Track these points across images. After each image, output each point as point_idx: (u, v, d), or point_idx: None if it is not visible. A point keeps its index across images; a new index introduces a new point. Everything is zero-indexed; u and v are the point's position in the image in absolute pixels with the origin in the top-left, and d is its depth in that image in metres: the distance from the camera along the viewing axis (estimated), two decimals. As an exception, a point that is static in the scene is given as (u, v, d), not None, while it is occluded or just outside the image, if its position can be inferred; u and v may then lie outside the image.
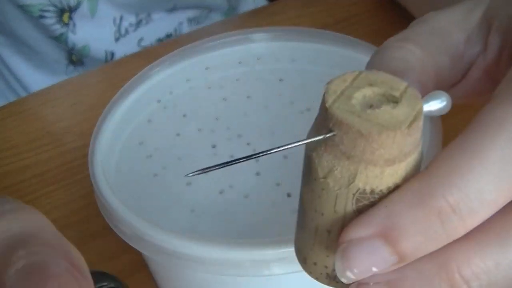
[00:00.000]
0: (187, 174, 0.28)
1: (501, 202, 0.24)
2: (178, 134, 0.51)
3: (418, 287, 0.24)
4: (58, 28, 0.67)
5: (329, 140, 0.25)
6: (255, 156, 0.26)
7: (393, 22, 0.64)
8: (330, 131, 0.24)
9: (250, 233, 0.48)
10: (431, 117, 0.42)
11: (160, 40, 0.72)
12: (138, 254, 0.42)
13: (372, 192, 0.24)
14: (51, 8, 0.65)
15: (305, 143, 0.26)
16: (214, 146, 0.51)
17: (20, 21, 0.67)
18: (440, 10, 0.31)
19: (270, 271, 0.36)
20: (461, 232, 0.24)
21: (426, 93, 0.26)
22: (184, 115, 0.51)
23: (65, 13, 0.66)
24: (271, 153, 0.26)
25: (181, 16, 0.73)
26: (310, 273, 0.27)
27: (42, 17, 0.65)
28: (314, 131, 0.26)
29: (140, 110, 0.50)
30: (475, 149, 0.24)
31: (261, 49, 0.53)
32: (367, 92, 0.25)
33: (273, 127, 0.51)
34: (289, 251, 0.35)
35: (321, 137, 0.25)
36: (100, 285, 0.28)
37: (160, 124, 0.50)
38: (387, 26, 0.63)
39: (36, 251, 0.25)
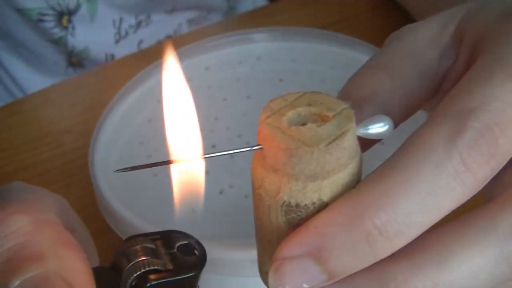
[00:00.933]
0: (117, 170, 0.29)
1: (428, 224, 0.25)
2: (178, 134, 0.51)
3: None
4: (57, 32, 0.66)
5: (260, 153, 0.26)
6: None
7: (393, 22, 0.64)
8: (259, 144, 0.26)
9: (250, 233, 0.48)
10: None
11: (160, 42, 0.72)
12: (138, 254, 0.41)
13: (297, 206, 0.25)
14: (50, 12, 0.65)
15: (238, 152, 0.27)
16: (214, 146, 0.51)
17: (19, 25, 0.67)
18: (416, 24, 0.31)
19: (270, 271, 0.36)
20: (389, 251, 0.25)
21: (394, 118, 0.27)
22: (184, 115, 0.51)
23: (64, 16, 0.66)
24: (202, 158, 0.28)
25: (181, 18, 0.73)
26: (265, 283, 0.28)
27: (41, 20, 0.65)
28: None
29: (140, 110, 0.50)
30: (404, 173, 0.24)
31: (261, 49, 0.53)
32: (303, 111, 0.26)
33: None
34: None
35: (248, 148, 0.26)
36: (180, 243, 0.29)
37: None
38: (387, 26, 0.63)
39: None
